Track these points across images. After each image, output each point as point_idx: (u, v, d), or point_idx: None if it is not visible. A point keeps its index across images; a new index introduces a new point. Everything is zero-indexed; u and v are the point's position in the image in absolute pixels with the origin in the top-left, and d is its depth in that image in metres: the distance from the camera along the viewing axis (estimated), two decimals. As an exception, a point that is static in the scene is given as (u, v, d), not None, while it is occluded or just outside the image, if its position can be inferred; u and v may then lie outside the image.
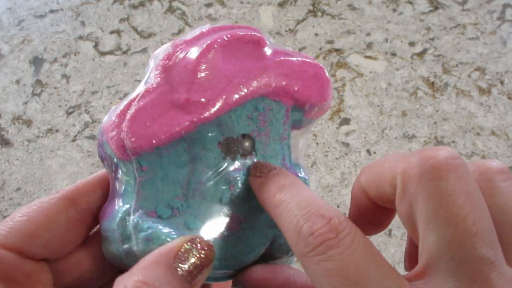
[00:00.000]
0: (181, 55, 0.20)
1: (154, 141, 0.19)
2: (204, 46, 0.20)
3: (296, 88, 0.21)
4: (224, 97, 0.19)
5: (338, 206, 0.47)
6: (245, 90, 0.20)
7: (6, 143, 0.54)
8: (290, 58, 0.21)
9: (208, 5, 0.63)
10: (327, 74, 0.22)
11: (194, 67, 0.19)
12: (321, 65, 0.22)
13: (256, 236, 0.21)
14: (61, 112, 0.55)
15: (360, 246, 0.15)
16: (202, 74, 0.19)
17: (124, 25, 0.62)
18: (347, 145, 0.51)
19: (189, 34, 0.21)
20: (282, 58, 0.21)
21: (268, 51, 0.21)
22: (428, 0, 0.61)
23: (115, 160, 0.19)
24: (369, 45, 0.58)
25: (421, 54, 0.57)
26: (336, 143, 0.51)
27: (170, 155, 0.19)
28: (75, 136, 0.53)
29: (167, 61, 0.20)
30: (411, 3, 0.61)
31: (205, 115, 0.19)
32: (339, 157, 0.50)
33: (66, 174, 0.51)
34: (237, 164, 0.20)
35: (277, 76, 0.21)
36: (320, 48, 0.58)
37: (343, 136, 0.51)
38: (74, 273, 0.20)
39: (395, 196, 0.17)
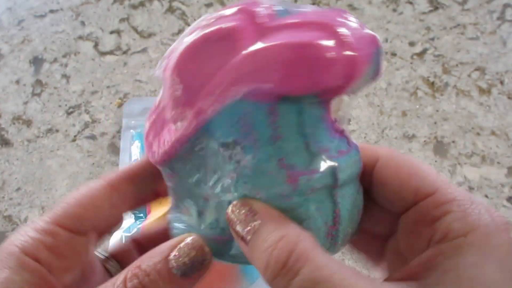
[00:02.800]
0: (166, 66, 0.20)
1: (156, 159, 0.21)
2: (176, 57, 0.19)
3: (273, 83, 0.17)
4: (198, 108, 0.19)
5: (338, 206, 0.47)
6: (218, 97, 0.18)
7: (6, 143, 0.54)
8: (268, 44, 0.17)
9: (208, 5, 0.63)
10: (326, 52, 0.17)
11: (171, 83, 0.19)
12: (318, 42, 0.17)
13: None
14: (61, 112, 0.55)
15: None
16: (178, 88, 0.19)
17: (124, 25, 0.62)
18: (347, 145, 0.51)
19: (180, 38, 0.20)
20: (256, 48, 0.17)
21: (249, 37, 0.18)
22: (428, 0, 0.61)
23: None
24: (369, 45, 0.58)
25: (421, 54, 0.57)
26: (336, 143, 0.51)
27: (181, 164, 0.20)
28: (75, 136, 0.53)
29: (162, 74, 0.20)
30: (411, 3, 0.61)
31: (187, 131, 0.19)
32: (339, 157, 0.50)
33: (66, 174, 0.51)
34: (231, 172, 0.19)
35: (247, 74, 0.17)
36: (320, 48, 0.58)
37: (343, 136, 0.51)
38: None
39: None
